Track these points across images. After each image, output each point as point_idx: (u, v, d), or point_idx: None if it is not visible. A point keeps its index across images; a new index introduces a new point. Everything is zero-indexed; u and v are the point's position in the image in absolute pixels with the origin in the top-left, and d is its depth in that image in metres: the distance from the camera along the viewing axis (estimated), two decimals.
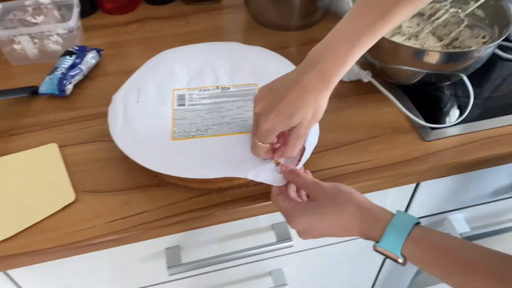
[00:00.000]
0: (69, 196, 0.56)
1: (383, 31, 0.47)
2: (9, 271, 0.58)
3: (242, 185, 0.57)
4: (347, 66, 0.47)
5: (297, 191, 0.54)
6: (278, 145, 0.52)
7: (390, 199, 0.68)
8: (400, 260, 0.44)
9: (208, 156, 0.54)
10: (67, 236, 0.52)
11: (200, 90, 0.62)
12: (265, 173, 0.53)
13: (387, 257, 0.45)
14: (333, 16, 0.86)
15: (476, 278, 0.40)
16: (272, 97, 0.47)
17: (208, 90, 0.62)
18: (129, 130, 0.57)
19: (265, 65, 0.65)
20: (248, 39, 0.82)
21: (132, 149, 0.55)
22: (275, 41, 0.81)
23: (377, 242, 0.45)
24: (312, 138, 0.56)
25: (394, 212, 0.46)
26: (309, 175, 0.52)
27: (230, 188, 0.56)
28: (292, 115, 0.46)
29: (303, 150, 0.54)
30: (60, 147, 0.62)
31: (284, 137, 0.51)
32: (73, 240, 0.52)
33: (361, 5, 0.48)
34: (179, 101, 0.61)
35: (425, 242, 0.43)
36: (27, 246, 0.52)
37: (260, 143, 0.50)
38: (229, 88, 0.62)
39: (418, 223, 0.45)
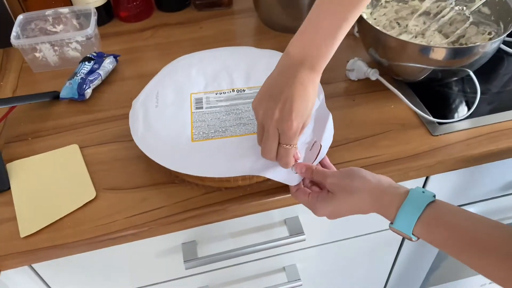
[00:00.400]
0: (90, 193, 0.59)
1: (354, 19, 0.51)
2: (35, 266, 0.61)
3: (260, 183, 0.59)
4: (329, 58, 0.51)
5: (313, 182, 0.56)
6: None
7: None
8: (414, 239, 0.46)
9: (227, 156, 0.56)
10: (89, 231, 0.55)
11: (216, 93, 0.64)
12: (281, 173, 0.54)
13: (401, 236, 0.48)
14: None
15: (483, 256, 0.41)
16: (280, 101, 0.50)
17: (224, 93, 0.64)
18: (150, 134, 0.59)
19: None
20: (259, 43, 0.84)
21: (155, 152, 0.57)
22: (285, 43, 0.81)
23: (392, 223, 0.47)
24: (327, 136, 0.58)
25: (409, 188, 0.48)
26: (321, 168, 0.54)
27: (249, 186, 0.58)
28: (306, 108, 0.50)
29: (319, 148, 0.56)
30: (81, 147, 0.65)
31: None
32: (95, 234, 0.55)
33: (334, 1, 0.50)
34: (197, 104, 0.63)
35: (435, 223, 0.45)
36: (51, 241, 0.54)
37: (288, 146, 0.51)
38: (244, 91, 0.64)
39: (432, 201, 0.46)
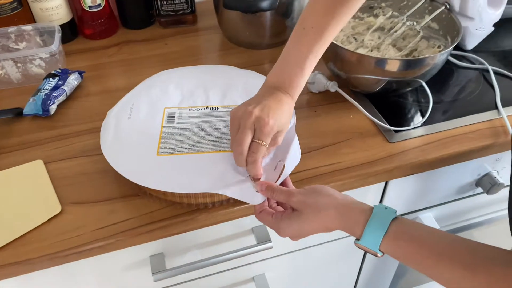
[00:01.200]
0: (56, 208, 0.58)
1: (322, 49, 0.57)
2: None
3: (222, 201, 0.59)
4: (301, 86, 0.58)
5: (278, 203, 0.57)
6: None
7: (362, 199, 0.72)
8: (379, 255, 0.47)
9: (190, 172, 0.56)
10: (54, 245, 0.55)
11: (190, 109, 0.65)
12: (244, 191, 0.54)
13: (367, 252, 0.48)
14: None
15: (445, 267, 0.42)
16: (259, 104, 0.54)
17: (198, 109, 0.65)
18: (118, 144, 0.59)
19: (255, 89, 0.66)
20: (224, 58, 0.87)
21: (119, 162, 0.57)
22: (249, 59, 0.86)
23: (358, 239, 0.48)
24: (292, 157, 0.58)
25: (373, 206, 0.49)
26: (285, 188, 0.54)
27: (211, 204, 0.58)
28: (281, 117, 0.55)
29: (282, 168, 0.56)
30: (46, 163, 0.64)
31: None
32: (60, 248, 0.54)
33: (299, 34, 0.57)
34: (169, 118, 0.63)
35: (402, 237, 0.46)
36: (15, 257, 0.53)
37: (261, 142, 0.53)
38: (218, 108, 0.65)
39: (395, 217, 0.47)
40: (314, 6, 0.57)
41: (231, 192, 0.54)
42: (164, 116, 0.64)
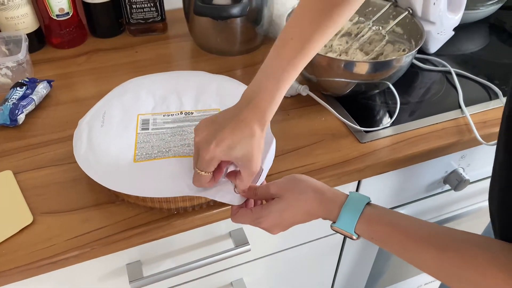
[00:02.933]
0: (27, 218, 0.57)
1: (302, 64, 0.53)
2: None
3: (202, 204, 0.59)
4: (276, 101, 0.53)
5: (255, 203, 0.57)
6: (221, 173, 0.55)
7: None
8: (355, 237, 0.48)
9: (169, 176, 0.55)
10: (27, 256, 0.53)
11: (164, 115, 0.65)
12: (224, 193, 0.55)
13: (343, 235, 0.49)
14: (272, 41, 0.92)
15: (422, 250, 0.44)
16: (212, 128, 0.51)
17: (172, 115, 0.65)
18: (93, 153, 0.58)
19: (228, 92, 0.68)
20: (196, 65, 0.87)
21: (95, 172, 0.56)
22: (220, 65, 0.86)
23: (334, 222, 0.49)
24: (269, 160, 0.59)
25: (347, 193, 0.51)
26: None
27: (191, 207, 0.58)
28: (232, 145, 0.49)
29: (261, 171, 0.56)
30: (15, 173, 0.63)
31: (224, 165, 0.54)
32: (34, 259, 0.53)
33: (279, 45, 0.53)
34: (143, 125, 0.63)
35: (376, 219, 0.48)
36: None
37: (202, 172, 0.51)
38: (192, 113, 0.65)
39: (369, 202, 0.49)
40: (298, 17, 0.53)
41: (212, 195, 0.54)
42: (138, 123, 0.63)
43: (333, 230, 0.50)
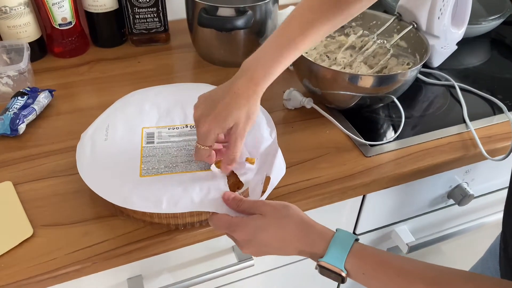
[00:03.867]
0: (27, 231, 0.55)
1: (303, 45, 0.55)
2: None
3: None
4: (273, 74, 0.54)
5: None
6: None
7: (340, 214, 0.73)
8: (344, 274, 0.45)
9: (177, 192, 0.54)
10: (27, 270, 0.52)
11: (169, 129, 0.63)
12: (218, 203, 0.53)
13: (329, 271, 0.45)
14: None
15: (410, 285, 0.42)
16: (208, 103, 0.54)
17: (177, 128, 0.64)
18: (97, 166, 0.57)
19: None
20: (198, 76, 0.87)
21: (100, 187, 0.55)
22: (223, 76, 0.86)
23: (321, 257, 0.46)
24: (278, 170, 0.58)
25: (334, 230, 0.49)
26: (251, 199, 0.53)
27: (199, 223, 0.57)
28: (226, 117, 0.52)
29: (267, 180, 0.55)
30: (15, 184, 0.61)
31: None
32: (34, 273, 0.51)
33: (284, 25, 0.56)
34: (148, 139, 0.62)
35: (366, 255, 0.46)
36: None
37: (201, 146, 0.54)
38: None
39: (357, 240, 0.47)
40: (304, 3, 0.56)
41: (220, 209, 0.53)
42: (143, 136, 0.62)
43: (320, 266, 0.46)
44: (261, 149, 0.60)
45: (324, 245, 0.47)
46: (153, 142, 0.61)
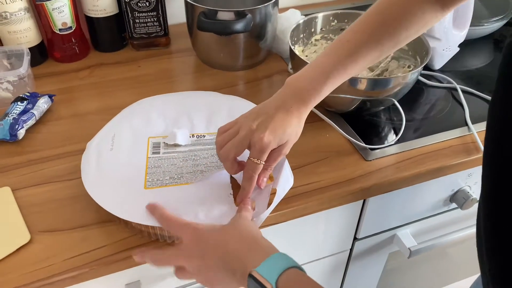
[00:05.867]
0: (24, 237, 0.55)
1: (352, 69, 0.55)
2: None
3: None
4: (321, 95, 0.55)
5: None
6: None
7: (340, 218, 0.72)
8: None
9: (182, 204, 0.53)
10: (24, 277, 0.52)
11: None
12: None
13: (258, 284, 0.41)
14: (275, 56, 0.92)
15: None
16: (262, 118, 0.53)
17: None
18: (101, 178, 0.56)
19: (240, 113, 0.65)
20: (199, 80, 0.86)
21: (104, 198, 0.54)
22: (224, 80, 0.86)
23: (254, 268, 0.42)
24: (285, 181, 0.58)
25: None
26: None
27: None
28: (284, 131, 0.53)
29: (274, 192, 0.55)
30: (14, 190, 0.61)
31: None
32: (30, 280, 0.51)
33: (334, 45, 0.56)
34: (154, 149, 0.61)
35: (303, 277, 0.42)
36: None
37: (256, 160, 0.52)
38: (204, 136, 0.63)
39: (297, 267, 0.43)
40: (358, 24, 0.56)
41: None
42: (149, 146, 0.61)
43: (250, 277, 0.42)
44: None
45: (261, 256, 0.43)
46: (158, 153, 0.60)
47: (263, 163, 0.53)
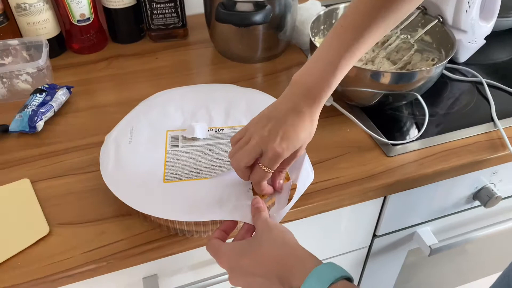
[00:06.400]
0: (43, 229, 0.55)
1: (360, 52, 0.51)
2: None
3: None
4: (331, 88, 0.51)
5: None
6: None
7: (360, 215, 0.71)
8: None
9: (200, 199, 0.53)
10: (43, 269, 0.52)
11: None
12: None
13: None
14: (295, 47, 0.91)
15: None
16: (273, 123, 0.50)
17: None
18: (120, 171, 0.56)
19: (258, 106, 0.64)
20: (216, 72, 0.85)
21: (122, 191, 0.54)
22: (242, 73, 0.85)
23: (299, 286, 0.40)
24: (306, 177, 0.56)
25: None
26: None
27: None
28: (297, 137, 0.50)
29: (294, 187, 0.54)
30: (33, 182, 0.62)
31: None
32: (49, 272, 0.51)
33: (335, 31, 0.51)
34: (172, 142, 0.60)
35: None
36: (1, 283, 0.50)
37: (265, 168, 0.50)
38: (222, 130, 0.63)
39: (346, 278, 0.40)
40: (357, 6, 0.51)
41: (246, 218, 0.51)
42: (168, 139, 0.61)
43: None
44: None
45: (302, 273, 0.41)
46: (177, 146, 0.60)
47: (272, 171, 0.50)
